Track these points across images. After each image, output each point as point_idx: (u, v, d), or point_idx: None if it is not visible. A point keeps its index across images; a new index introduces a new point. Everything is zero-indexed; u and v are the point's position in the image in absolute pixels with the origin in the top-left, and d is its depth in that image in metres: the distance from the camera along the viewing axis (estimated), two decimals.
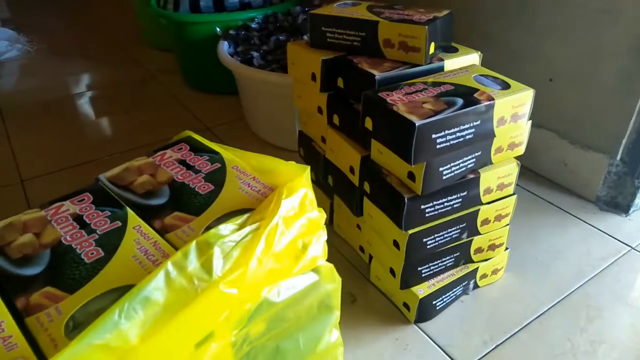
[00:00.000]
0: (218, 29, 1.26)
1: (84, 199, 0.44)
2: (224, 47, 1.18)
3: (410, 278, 0.71)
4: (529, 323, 0.73)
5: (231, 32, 1.23)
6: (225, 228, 0.37)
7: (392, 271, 0.72)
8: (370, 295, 0.78)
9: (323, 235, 0.44)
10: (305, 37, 1.15)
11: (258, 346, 0.42)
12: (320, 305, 0.47)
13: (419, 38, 0.67)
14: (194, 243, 0.35)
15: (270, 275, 0.39)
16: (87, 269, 0.37)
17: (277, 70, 1.07)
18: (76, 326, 0.32)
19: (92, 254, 0.38)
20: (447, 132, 0.59)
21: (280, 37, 1.17)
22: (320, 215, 0.43)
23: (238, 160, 0.49)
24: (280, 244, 0.39)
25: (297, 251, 0.41)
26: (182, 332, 0.33)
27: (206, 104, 1.39)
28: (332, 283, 0.47)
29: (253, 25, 1.26)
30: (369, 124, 0.64)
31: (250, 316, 0.38)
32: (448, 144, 0.60)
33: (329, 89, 0.76)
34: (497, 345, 0.69)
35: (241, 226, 0.38)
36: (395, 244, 0.68)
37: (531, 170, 1.04)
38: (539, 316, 0.74)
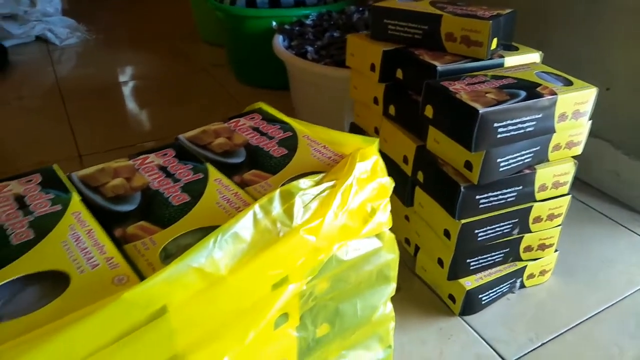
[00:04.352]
0: (274, 23, 1.29)
1: (167, 154, 0.47)
2: (279, 40, 1.21)
3: (458, 269, 0.71)
4: (576, 325, 0.72)
5: (286, 26, 1.26)
6: (304, 182, 0.39)
7: (440, 262, 0.73)
8: (415, 287, 0.79)
9: (389, 203, 0.46)
10: None
11: (320, 304, 0.44)
12: (379, 275, 0.49)
13: (482, 32, 0.68)
14: (277, 191, 0.37)
15: (342, 232, 0.40)
16: (176, 210, 0.39)
17: (330, 64, 1.09)
18: (168, 256, 0.35)
19: (179, 198, 0.40)
20: (509, 122, 0.60)
21: (335, 34, 1.20)
22: (390, 182, 0.45)
23: (308, 131, 0.51)
24: (353, 202, 0.40)
25: (365, 214, 0.43)
26: (264, 270, 0.35)
27: (256, 98, 1.40)
28: (392, 253, 0.49)
29: (307, 22, 1.29)
30: (429, 111, 0.65)
31: (320, 269, 0.40)
32: (509, 134, 0.61)
33: (387, 79, 0.78)
34: (543, 344, 0.69)
35: (318, 183, 0.40)
36: (446, 234, 0.69)
37: (582, 180, 1.03)
38: (586, 319, 0.73)
